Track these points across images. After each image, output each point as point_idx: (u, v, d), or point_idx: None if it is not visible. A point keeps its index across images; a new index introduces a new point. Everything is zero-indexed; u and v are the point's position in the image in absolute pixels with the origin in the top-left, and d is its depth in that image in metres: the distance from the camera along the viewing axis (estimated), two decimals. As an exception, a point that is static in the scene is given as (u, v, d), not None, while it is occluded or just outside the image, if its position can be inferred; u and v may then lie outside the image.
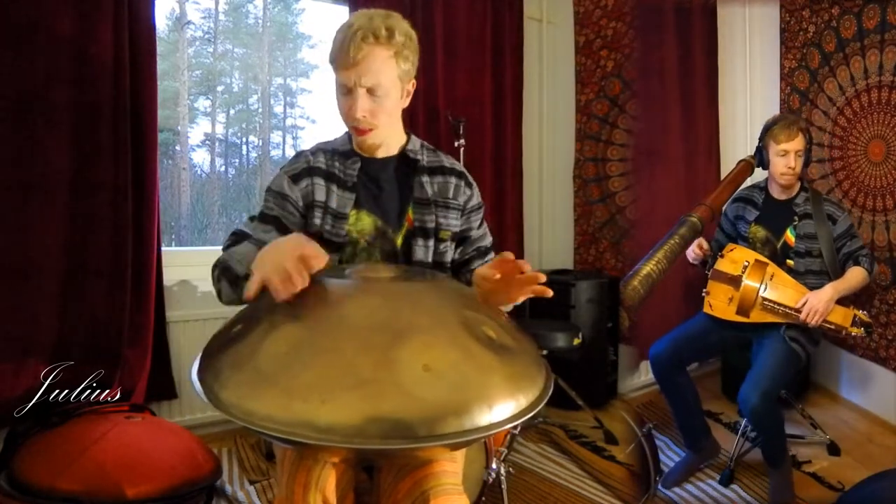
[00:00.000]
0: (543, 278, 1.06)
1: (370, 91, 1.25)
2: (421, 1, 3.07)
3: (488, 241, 1.49)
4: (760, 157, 2.32)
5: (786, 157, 2.20)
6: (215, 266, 1.23)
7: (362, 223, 1.35)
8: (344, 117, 1.32)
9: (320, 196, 1.34)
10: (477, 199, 1.46)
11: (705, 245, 2.36)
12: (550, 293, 1.06)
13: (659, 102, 3.18)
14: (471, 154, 2.92)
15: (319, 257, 0.96)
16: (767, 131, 2.26)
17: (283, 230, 1.31)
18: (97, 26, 2.25)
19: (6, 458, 1.90)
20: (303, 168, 1.36)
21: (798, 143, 2.19)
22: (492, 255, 1.48)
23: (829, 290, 2.09)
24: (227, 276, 1.18)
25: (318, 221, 1.33)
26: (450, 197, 1.40)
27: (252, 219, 1.37)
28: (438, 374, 0.78)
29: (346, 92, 1.27)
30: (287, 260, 0.93)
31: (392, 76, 1.26)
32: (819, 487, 2.23)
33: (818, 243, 2.20)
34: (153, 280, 2.44)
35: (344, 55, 1.22)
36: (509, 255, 1.05)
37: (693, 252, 2.36)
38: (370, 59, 1.22)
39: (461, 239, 1.44)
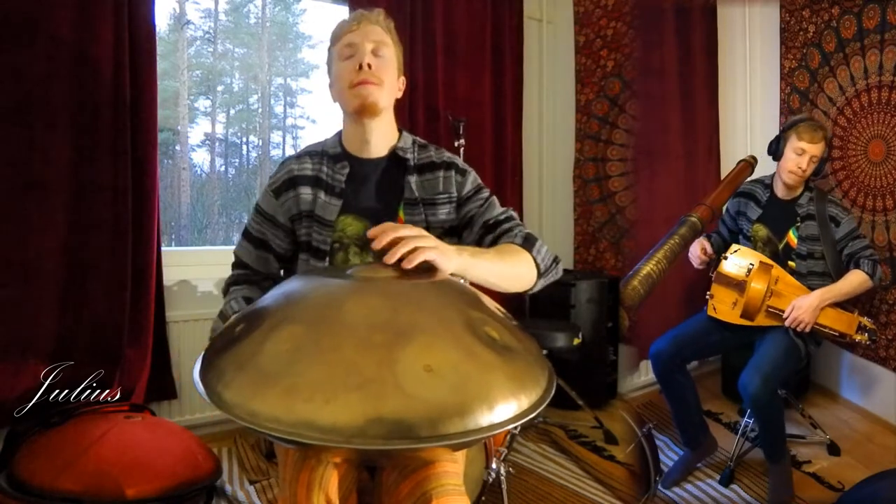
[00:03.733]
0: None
1: (375, 51, 1.31)
2: (421, 1, 3.07)
3: (495, 212, 1.39)
4: (776, 147, 2.27)
5: (800, 157, 2.17)
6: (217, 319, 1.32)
7: (351, 227, 1.35)
8: (347, 78, 1.31)
9: (306, 206, 1.36)
10: (472, 183, 1.41)
11: (709, 249, 2.35)
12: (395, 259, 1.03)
13: (659, 102, 3.18)
14: (471, 154, 2.92)
15: None
16: (794, 125, 2.21)
17: (264, 248, 1.41)
18: (97, 26, 2.25)
19: (6, 458, 1.90)
20: (284, 180, 1.38)
21: (817, 148, 2.16)
22: (507, 225, 1.36)
23: (815, 298, 2.08)
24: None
25: (304, 230, 1.36)
26: (439, 191, 1.38)
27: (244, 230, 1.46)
28: (440, 375, 0.78)
29: (350, 54, 1.32)
30: None
31: (391, 46, 1.35)
32: (819, 487, 2.23)
33: (820, 245, 2.18)
34: (153, 280, 2.44)
35: (350, 23, 1.33)
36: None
37: (698, 257, 2.34)
38: (375, 28, 1.33)
39: (468, 222, 1.40)
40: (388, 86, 1.33)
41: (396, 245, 1.04)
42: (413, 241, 1.05)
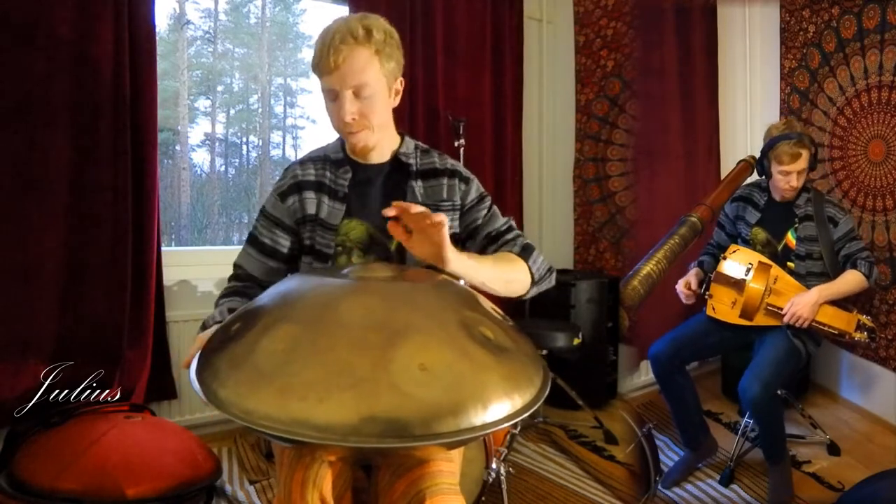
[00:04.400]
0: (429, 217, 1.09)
1: (356, 93, 1.24)
2: (421, 1, 3.07)
3: (498, 223, 1.42)
4: (762, 167, 2.28)
5: (787, 177, 2.17)
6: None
7: (355, 231, 1.36)
8: (334, 124, 1.31)
9: (311, 210, 1.36)
10: (475, 192, 1.42)
11: (694, 284, 2.34)
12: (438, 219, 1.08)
13: (659, 102, 3.18)
14: (471, 154, 2.92)
15: None
16: (771, 148, 2.19)
17: (270, 253, 1.39)
18: (97, 26, 2.25)
19: (6, 458, 1.91)
20: (290, 184, 1.38)
21: (801, 163, 2.15)
22: (508, 235, 1.41)
23: (814, 294, 2.08)
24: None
25: (308, 234, 1.36)
26: (443, 199, 1.39)
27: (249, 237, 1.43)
28: (434, 374, 0.79)
29: (332, 98, 1.27)
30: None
31: (376, 75, 1.26)
32: (819, 487, 2.23)
33: (819, 246, 2.19)
34: (153, 280, 2.44)
35: (325, 60, 1.22)
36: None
37: (683, 293, 2.34)
38: (351, 60, 1.22)
39: (472, 232, 1.41)
40: (379, 121, 1.31)
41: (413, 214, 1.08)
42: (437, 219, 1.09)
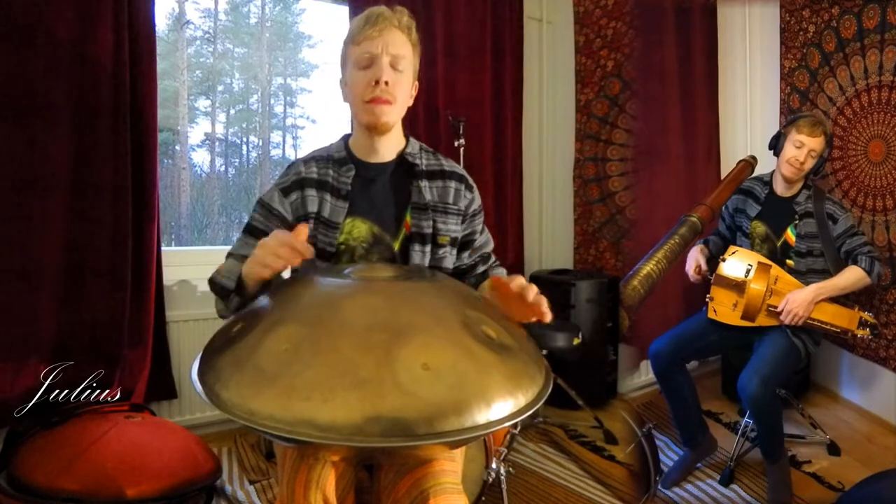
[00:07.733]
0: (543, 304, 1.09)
1: (393, 63, 1.27)
2: (421, 1, 3.07)
3: (490, 246, 1.50)
4: (776, 143, 2.29)
5: (799, 150, 2.17)
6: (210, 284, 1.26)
7: (358, 230, 1.35)
8: (362, 92, 1.28)
9: (312, 207, 1.35)
10: (478, 202, 1.45)
11: (704, 266, 2.35)
12: (549, 317, 1.09)
13: (659, 102, 3.18)
14: (471, 154, 2.92)
15: (306, 249, 1.03)
16: (794, 121, 2.23)
17: None
18: (97, 26, 2.25)
19: (6, 458, 1.90)
20: (293, 181, 1.37)
21: (816, 143, 2.17)
22: (493, 259, 1.49)
23: (811, 292, 2.09)
24: (216, 291, 1.21)
25: (311, 233, 1.34)
26: (449, 202, 1.39)
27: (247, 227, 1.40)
28: (437, 373, 0.79)
29: (367, 64, 1.27)
30: (281, 241, 1.03)
31: (410, 59, 1.31)
32: (819, 487, 2.23)
33: (819, 243, 2.19)
34: (153, 280, 2.44)
35: (370, 27, 1.26)
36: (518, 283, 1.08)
37: (692, 273, 2.36)
38: (395, 35, 1.28)
39: (464, 244, 1.43)
40: (401, 102, 1.32)
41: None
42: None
